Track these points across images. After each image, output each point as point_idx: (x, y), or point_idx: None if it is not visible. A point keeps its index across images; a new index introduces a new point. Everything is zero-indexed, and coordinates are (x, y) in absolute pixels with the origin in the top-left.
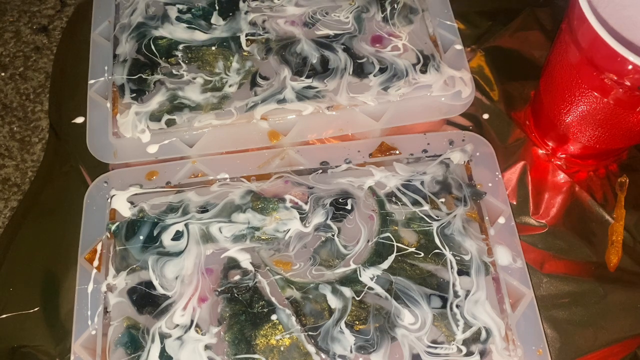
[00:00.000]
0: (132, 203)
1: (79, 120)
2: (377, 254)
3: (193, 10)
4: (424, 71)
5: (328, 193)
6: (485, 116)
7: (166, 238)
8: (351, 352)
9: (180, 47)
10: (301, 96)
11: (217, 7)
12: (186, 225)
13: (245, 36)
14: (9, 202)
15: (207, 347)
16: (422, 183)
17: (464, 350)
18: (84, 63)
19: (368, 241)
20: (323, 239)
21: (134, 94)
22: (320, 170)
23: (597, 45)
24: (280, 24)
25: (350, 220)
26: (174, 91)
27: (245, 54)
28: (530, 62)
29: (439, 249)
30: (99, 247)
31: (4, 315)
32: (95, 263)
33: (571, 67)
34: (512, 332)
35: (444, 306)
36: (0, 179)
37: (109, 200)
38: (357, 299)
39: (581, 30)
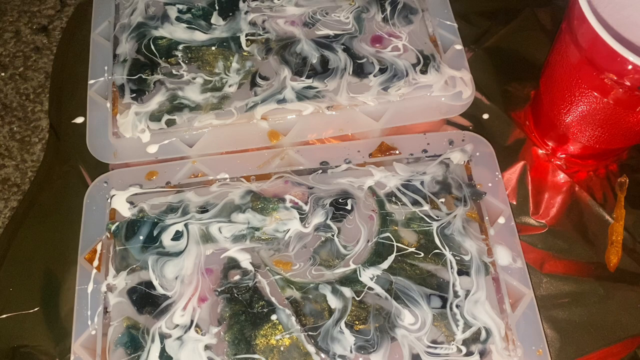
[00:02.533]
0: (132, 203)
1: (79, 120)
2: (377, 254)
3: (193, 10)
4: (424, 71)
5: (328, 193)
6: (485, 116)
7: (166, 238)
8: (351, 352)
9: (180, 47)
10: (301, 96)
11: (217, 7)
12: (186, 225)
13: (245, 36)
14: (9, 202)
15: (207, 347)
16: (422, 183)
17: (464, 350)
18: (84, 63)
19: (368, 241)
20: (323, 239)
21: (134, 94)
22: (320, 171)
23: (597, 45)
24: (280, 24)
25: (350, 221)
26: (174, 91)
27: (245, 54)
28: (530, 62)
29: (439, 249)
30: (98, 247)
31: (4, 315)
32: (95, 263)
33: (571, 67)
34: (512, 332)
35: (443, 306)
36: (0, 179)
37: (108, 200)
38: (357, 299)
39: (581, 30)
